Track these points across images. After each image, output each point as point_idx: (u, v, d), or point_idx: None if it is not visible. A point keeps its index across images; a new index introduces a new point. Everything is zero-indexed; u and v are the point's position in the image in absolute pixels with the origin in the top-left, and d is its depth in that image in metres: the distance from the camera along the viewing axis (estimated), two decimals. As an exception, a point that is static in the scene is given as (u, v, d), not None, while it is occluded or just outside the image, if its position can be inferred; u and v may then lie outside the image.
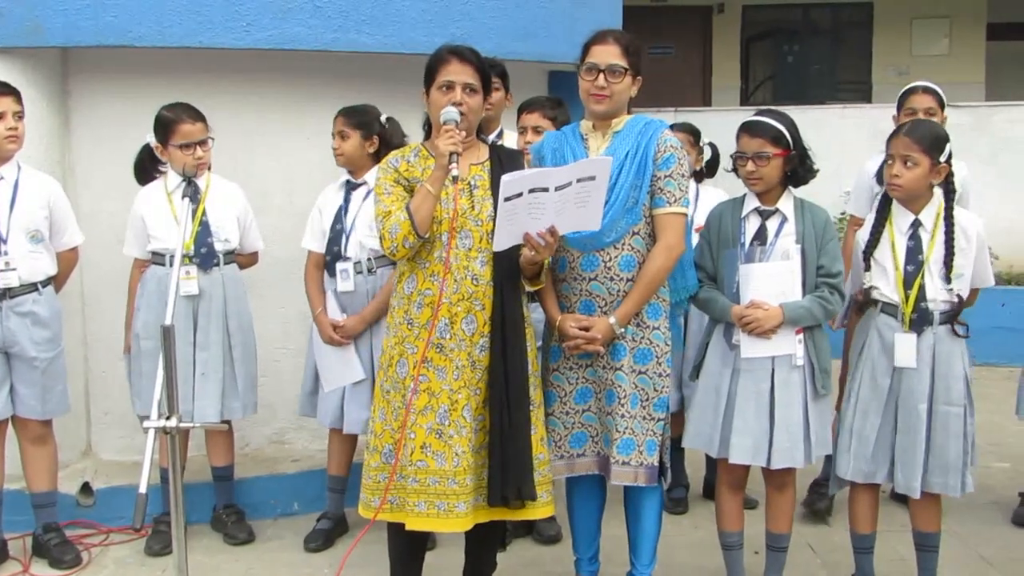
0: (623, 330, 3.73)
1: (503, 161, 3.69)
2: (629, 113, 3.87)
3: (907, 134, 3.83)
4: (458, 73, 3.59)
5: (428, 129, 3.80)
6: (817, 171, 4.01)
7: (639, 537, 3.98)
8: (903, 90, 5.17)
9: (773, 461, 3.86)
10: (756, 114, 3.96)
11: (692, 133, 5.11)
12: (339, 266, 4.68)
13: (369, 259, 4.67)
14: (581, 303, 3.79)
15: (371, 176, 4.70)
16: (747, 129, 3.89)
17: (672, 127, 4.89)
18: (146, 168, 4.79)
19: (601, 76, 3.72)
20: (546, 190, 3.35)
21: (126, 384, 5.04)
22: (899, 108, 5.13)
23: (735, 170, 3.97)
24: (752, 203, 3.94)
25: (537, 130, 4.51)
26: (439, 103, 3.58)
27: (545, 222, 3.43)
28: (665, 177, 3.74)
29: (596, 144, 3.81)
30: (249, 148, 5.05)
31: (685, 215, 3.81)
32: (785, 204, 3.91)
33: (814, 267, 3.86)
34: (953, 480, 3.88)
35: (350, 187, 4.73)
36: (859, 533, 4.14)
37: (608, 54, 3.73)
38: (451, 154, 3.43)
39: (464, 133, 3.56)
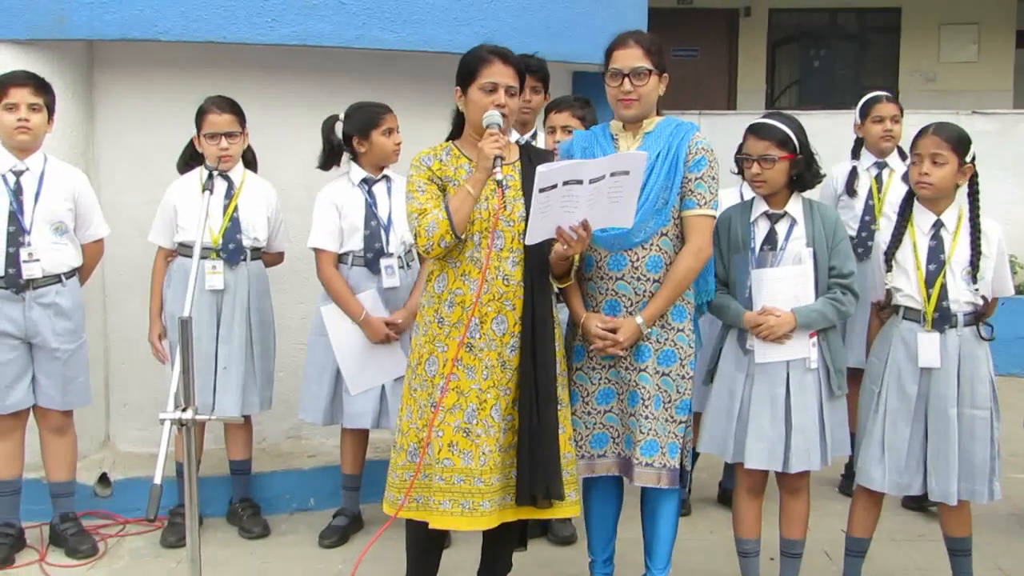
0: (648, 331, 3.72)
1: (533, 161, 3.68)
2: (660, 114, 3.85)
3: (935, 133, 3.81)
4: (501, 75, 3.59)
5: (457, 126, 3.80)
6: (823, 176, 4.00)
7: (655, 540, 3.96)
8: (866, 98, 5.45)
9: (791, 464, 3.83)
10: (763, 116, 3.94)
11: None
12: (383, 262, 4.67)
13: (408, 252, 4.70)
14: (607, 302, 3.78)
15: (391, 171, 4.73)
16: (753, 131, 3.87)
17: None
18: (187, 161, 4.83)
19: (626, 80, 3.71)
20: (580, 182, 3.34)
21: (145, 376, 5.07)
22: (863, 116, 5.43)
23: (740, 172, 3.95)
24: (761, 207, 3.92)
25: (567, 129, 4.50)
26: (481, 103, 3.58)
27: (578, 216, 3.42)
28: (696, 179, 3.73)
29: (626, 144, 3.80)
30: (270, 144, 5.06)
31: (715, 218, 3.80)
32: (794, 207, 3.89)
33: (826, 268, 3.84)
34: (980, 486, 3.84)
35: (371, 183, 4.73)
36: (856, 537, 4.12)
37: (630, 57, 3.71)
38: (496, 158, 3.43)
39: (506, 137, 3.57)
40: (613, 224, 3.59)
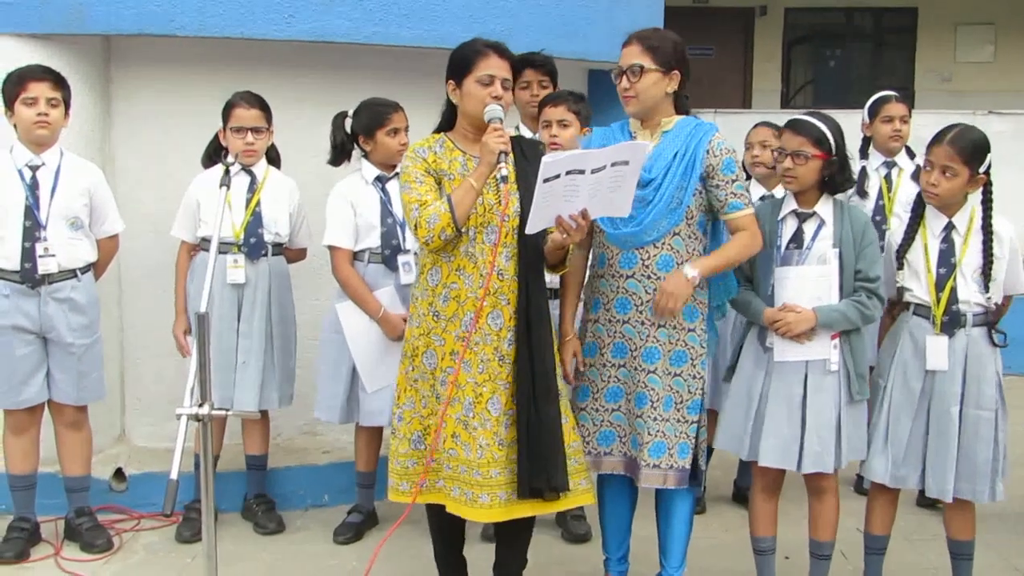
0: (694, 273, 3.65)
1: (526, 152, 3.71)
2: (683, 112, 3.85)
3: (950, 143, 3.76)
4: (498, 68, 3.60)
5: (447, 118, 3.81)
6: (855, 182, 3.97)
7: (669, 539, 3.96)
8: (875, 98, 5.42)
9: (804, 465, 3.82)
10: (805, 114, 3.92)
11: (772, 127, 5.09)
12: (400, 259, 4.66)
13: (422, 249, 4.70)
14: (617, 300, 3.79)
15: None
16: (791, 126, 3.86)
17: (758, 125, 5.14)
18: (210, 155, 4.85)
19: (624, 78, 3.71)
20: (582, 172, 3.35)
21: (160, 371, 5.08)
22: (872, 116, 5.40)
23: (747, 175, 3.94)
24: (790, 205, 3.90)
25: (563, 123, 4.47)
26: (478, 96, 3.58)
27: (578, 205, 3.43)
28: (732, 181, 3.73)
29: (643, 141, 3.79)
30: (286, 140, 5.06)
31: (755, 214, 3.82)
32: (823, 208, 3.86)
33: (851, 271, 3.81)
34: (981, 486, 3.84)
35: (384, 180, 4.73)
36: (874, 534, 4.12)
37: (628, 55, 3.72)
38: (500, 153, 3.44)
39: (510, 131, 3.58)
40: (611, 213, 3.60)
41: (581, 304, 3.97)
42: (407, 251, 4.67)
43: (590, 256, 3.91)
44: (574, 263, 3.86)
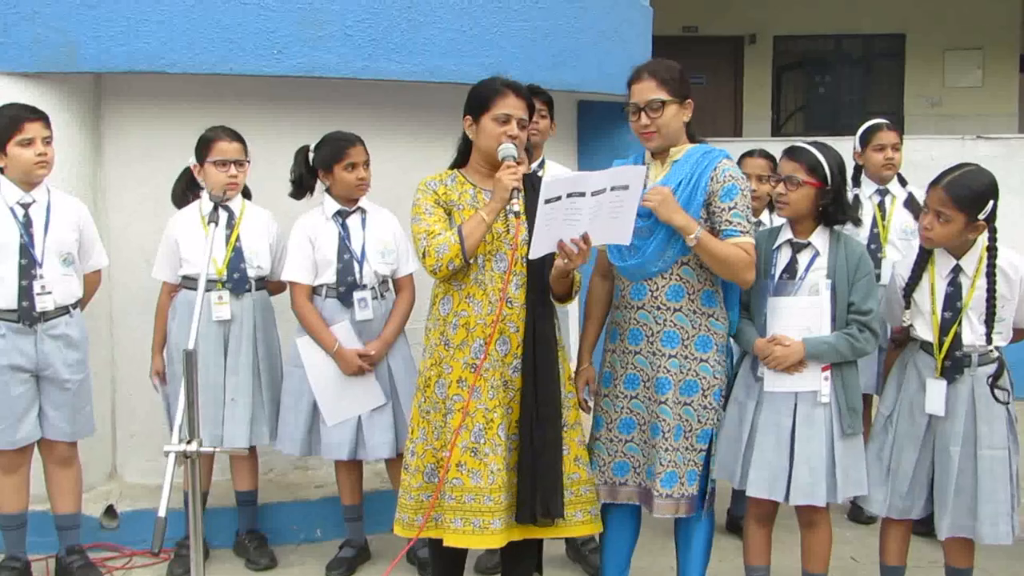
0: (697, 233, 3.61)
1: (536, 186, 3.72)
2: (695, 141, 3.86)
3: (945, 188, 3.72)
4: (514, 107, 3.69)
5: (462, 154, 3.87)
6: (854, 214, 3.95)
7: (688, 563, 3.97)
8: (866, 126, 5.41)
9: (792, 497, 3.81)
10: (808, 142, 3.92)
11: (770, 159, 5.12)
12: (357, 295, 4.62)
13: (382, 283, 4.69)
14: (630, 331, 3.83)
15: (366, 203, 4.72)
16: (788, 152, 3.87)
17: (751, 153, 5.10)
18: (183, 193, 4.84)
19: (643, 115, 3.73)
20: (583, 195, 3.39)
21: (152, 407, 5.06)
22: (864, 144, 5.38)
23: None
24: (786, 234, 3.90)
25: None
26: (493, 133, 3.67)
27: (579, 229, 3.47)
28: (730, 209, 3.70)
29: (655, 172, 3.83)
30: (276, 174, 5.05)
31: (754, 244, 3.77)
32: (818, 239, 3.85)
33: (845, 303, 3.79)
34: (1004, 527, 3.79)
35: (345, 215, 4.70)
36: (889, 565, 4.10)
37: (644, 91, 3.74)
38: (513, 190, 3.50)
39: (522, 168, 3.65)
40: (612, 240, 3.63)
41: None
42: (363, 287, 4.63)
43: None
44: (597, 293, 3.95)
